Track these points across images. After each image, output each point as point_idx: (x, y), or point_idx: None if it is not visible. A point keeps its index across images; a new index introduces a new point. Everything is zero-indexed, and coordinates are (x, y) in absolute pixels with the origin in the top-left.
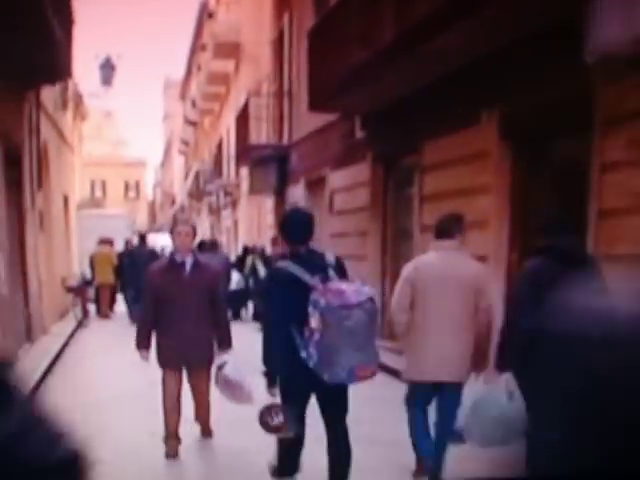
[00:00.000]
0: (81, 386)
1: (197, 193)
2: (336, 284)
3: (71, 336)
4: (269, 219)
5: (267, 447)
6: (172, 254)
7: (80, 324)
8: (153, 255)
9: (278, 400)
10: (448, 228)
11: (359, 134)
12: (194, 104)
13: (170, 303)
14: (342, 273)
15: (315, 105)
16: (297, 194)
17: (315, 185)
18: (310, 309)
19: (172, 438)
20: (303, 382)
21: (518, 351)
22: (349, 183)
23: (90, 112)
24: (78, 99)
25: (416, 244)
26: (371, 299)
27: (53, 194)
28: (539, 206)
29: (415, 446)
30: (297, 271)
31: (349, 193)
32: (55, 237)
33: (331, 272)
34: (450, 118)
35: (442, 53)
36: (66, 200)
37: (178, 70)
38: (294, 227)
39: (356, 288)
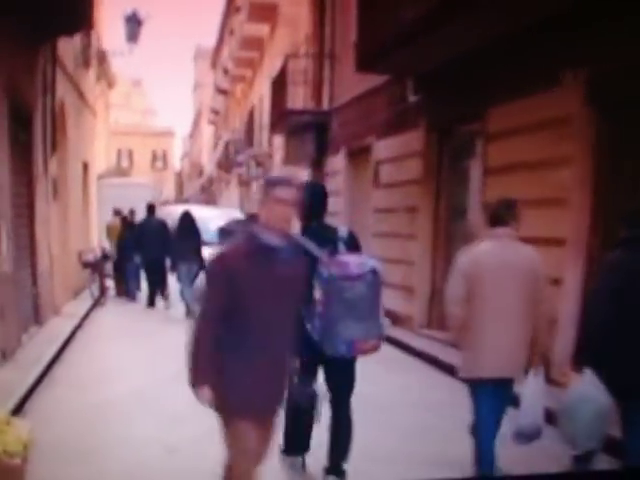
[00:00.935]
0: (91, 379)
1: (226, 164)
2: (342, 257)
3: (85, 317)
4: None
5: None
6: (256, 233)
7: (97, 303)
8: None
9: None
10: (502, 215)
11: (412, 98)
12: (226, 72)
13: (253, 312)
14: (354, 247)
15: (363, 66)
16: (337, 165)
17: (358, 155)
18: (315, 281)
19: None
20: (309, 354)
21: (595, 344)
22: (398, 153)
23: (119, 80)
24: (102, 57)
25: (475, 223)
26: (374, 271)
27: (70, 160)
28: (628, 183)
29: (479, 457)
30: (306, 243)
31: (397, 164)
32: (71, 207)
33: (341, 245)
34: (522, 79)
35: (513, 4)
36: (86, 167)
37: (210, 39)
38: (308, 202)
39: (360, 261)
